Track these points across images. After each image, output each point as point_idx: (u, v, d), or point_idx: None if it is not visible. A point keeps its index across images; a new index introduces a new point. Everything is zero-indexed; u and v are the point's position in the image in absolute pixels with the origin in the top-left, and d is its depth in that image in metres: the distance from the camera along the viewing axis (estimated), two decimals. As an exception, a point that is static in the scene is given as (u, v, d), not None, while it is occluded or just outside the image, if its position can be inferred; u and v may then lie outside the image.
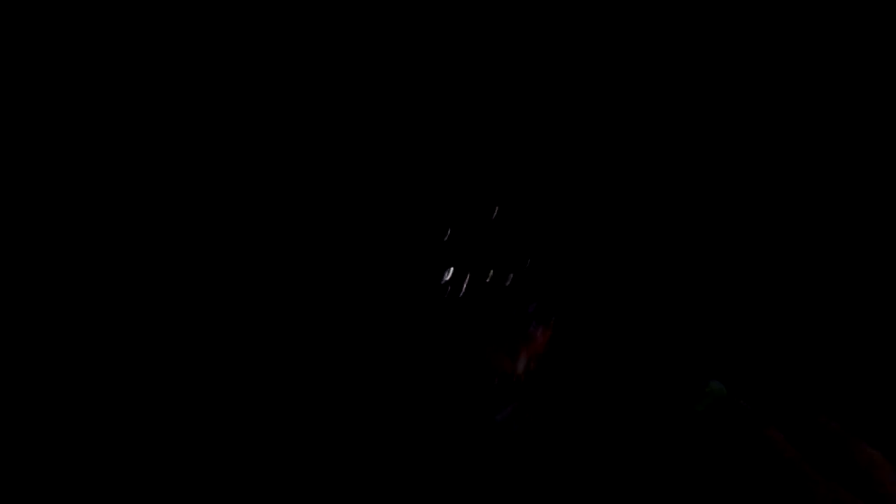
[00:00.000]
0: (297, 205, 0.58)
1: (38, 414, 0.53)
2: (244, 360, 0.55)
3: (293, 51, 0.59)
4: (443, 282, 0.55)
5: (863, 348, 0.56)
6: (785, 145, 0.59)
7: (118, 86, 0.57)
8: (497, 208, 0.56)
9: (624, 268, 0.58)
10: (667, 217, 0.58)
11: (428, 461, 0.50)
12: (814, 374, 0.56)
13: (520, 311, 0.54)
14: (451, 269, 0.55)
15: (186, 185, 0.57)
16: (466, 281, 0.55)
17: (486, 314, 0.54)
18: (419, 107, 0.59)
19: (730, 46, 0.60)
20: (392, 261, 0.56)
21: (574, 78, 0.60)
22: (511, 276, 0.55)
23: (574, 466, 0.47)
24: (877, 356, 0.56)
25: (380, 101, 0.59)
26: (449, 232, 0.56)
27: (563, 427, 0.48)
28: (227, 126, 0.58)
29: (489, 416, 0.49)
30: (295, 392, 0.54)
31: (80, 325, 0.55)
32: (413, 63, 0.59)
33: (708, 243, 0.58)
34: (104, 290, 0.55)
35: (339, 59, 0.59)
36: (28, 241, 0.55)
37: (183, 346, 0.55)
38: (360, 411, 0.53)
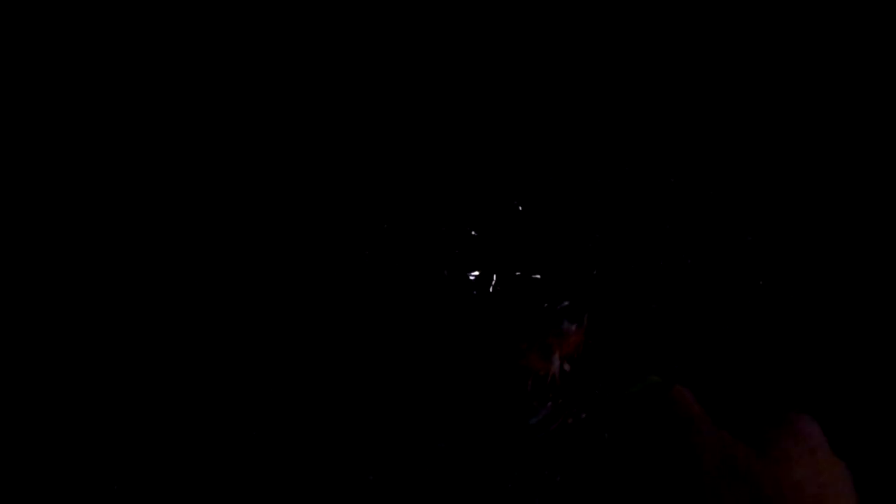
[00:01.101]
0: (317, 202, 0.56)
1: (38, 414, 0.52)
2: (257, 361, 0.53)
3: (301, 52, 0.57)
4: (471, 279, 0.52)
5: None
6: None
7: (118, 86, 0.56)
8: (524, 204, 0.54)
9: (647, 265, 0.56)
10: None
11: (460, 466, 0.48)
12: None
13: (551, 309, 0.51)
14: (479, 266, 0.53)
15: (187, 186, 0.56)
16: (495, 278, 0.52)
17: (517, 312, 0.51)
18: (443, 104, 0.57)
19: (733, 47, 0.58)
20: (417, 258, 0.54)
21: (589, 73, 0.58)
22: (541, 272, 0.53)
23: (609, 470, 0.45)
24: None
25: (400, 99, 0.57)
26: (476, 228, 0.54)
27: (601, 433, 0.46)
28: (236, 128, 0.56)
29: (523, 420, 0.47)
30: (315, 396, 0.52)
31: (81, 325, 0.53)
32: (430, 61, 0.57)
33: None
34: (104, 291, 0.54)
35: (357, 58, 0.57)
36: (28, 241, 0.54)
37: (189, 346, 0.54)
38: (385, 416, 0.51)
